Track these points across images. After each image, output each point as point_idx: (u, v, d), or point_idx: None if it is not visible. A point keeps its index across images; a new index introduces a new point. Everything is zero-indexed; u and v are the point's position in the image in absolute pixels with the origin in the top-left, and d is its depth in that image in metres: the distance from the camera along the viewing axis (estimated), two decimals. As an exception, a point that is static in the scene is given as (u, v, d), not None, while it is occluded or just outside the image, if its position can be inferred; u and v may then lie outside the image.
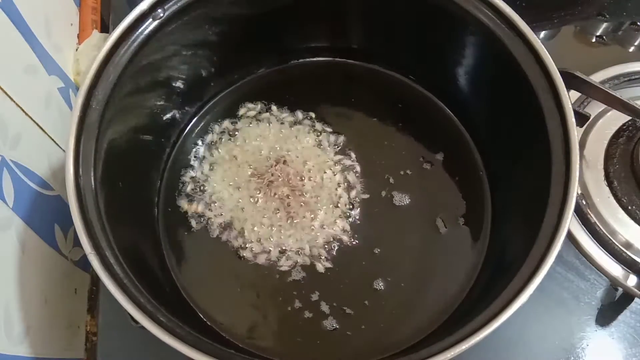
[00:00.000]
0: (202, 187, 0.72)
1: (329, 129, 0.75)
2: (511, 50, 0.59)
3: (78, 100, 0.55)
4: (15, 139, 0.65)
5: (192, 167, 0.73)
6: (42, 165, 0.71)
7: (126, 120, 0.63)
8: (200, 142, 0.75)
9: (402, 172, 0.72)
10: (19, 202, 0.64)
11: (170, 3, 0.61)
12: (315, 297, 0.65)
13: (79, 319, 0.78)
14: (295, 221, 0.68)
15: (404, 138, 0.74)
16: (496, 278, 0.58)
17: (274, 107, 0.76)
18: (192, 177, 0.72)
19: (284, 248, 0.68)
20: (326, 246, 0.68)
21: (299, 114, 0.75)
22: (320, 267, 0.67)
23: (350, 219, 0.69)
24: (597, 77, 0.80)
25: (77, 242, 0.74)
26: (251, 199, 0.70)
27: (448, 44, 0.68)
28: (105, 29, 0.90)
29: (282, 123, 0.75)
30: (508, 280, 0.51)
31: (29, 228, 0.66)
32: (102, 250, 0.51)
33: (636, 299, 0.69)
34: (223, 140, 0.74)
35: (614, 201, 0.73)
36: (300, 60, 0.79)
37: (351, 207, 0.70)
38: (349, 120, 0.76)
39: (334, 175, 0.71)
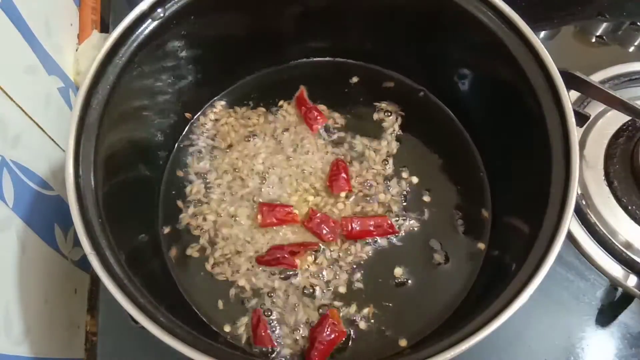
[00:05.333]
0: (201, 188, 0.72)
1: (329, 130, 0.75)
2: (511, 50, 0.59)
3: (78, 100, 0.55)
4: (15, 139, 0.65)
5: (191, 167, 0.73)
6: (42, 165, 0.71)
7: (126, 120, 0.63)
8: (200, 142, 0.74)
9: (401, 174, 0.72)
10: (19, 202, 0.64)
11: (170, 3, 0.61)
12: (314, 297, 0.65)
13: (79, 319, 0.78)
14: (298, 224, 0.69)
15: (405, 139, 0.74)
16: (496, 278, 0.58)
17: (273, 108, 0.76)
18: (191, 177, 0.72)
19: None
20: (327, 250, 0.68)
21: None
22: (319, 268, 0.67)
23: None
24: (597, 77, 0.80)
25: (77, 242, 0.74)
26: (246, 202, 0.70)
27: (448, 44, 0.68)
28: (105, 29, 0.90)
29: (280, 123, 0.75)
30: (508, 281, 0.51)
31: (29, 228, 0.66)
32: (102, 250, 0.51)
33: (636, 299, 0.69)
34: (222, 140, 0.74)
35: (614, 201, 0.73)
36: (300, 60, 0.79)
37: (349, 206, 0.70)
38: (348, 122, 0.76)
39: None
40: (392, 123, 0.75)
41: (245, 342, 0.63)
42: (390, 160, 0.73)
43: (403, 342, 0.62)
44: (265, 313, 0.64)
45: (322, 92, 0.77)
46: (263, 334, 0.62)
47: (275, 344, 0.62)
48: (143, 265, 0.61)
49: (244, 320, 0.64)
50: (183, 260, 0.68)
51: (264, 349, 0.62)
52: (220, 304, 0.65)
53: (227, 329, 0.64)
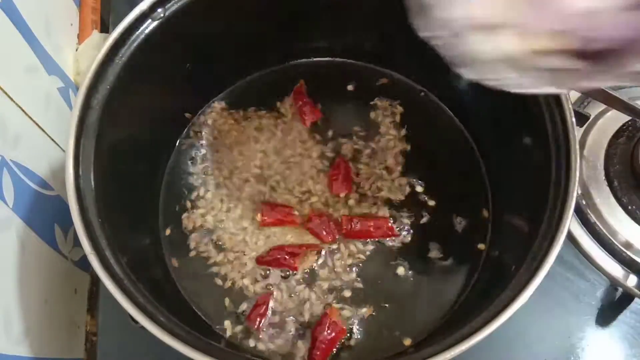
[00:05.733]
0: (201, 188, 0.72)
1: (328, 130, 0.75)
2: (511, 50, 0.58)
3: (78, 100, 0.55)
4: (15, 139, 0.65)
5: (192, 167, 0.73)
6: (42, 165, 0.71)
7: (126, 120, 0.63)
8: (201, 142, 0.74)
9: (401, 174, 0.72)
10: (19, 202, 0.64)
11: (170, 3, 0.61)
12: (314, 297, 0.65)
13: (79, 319, 0.78)
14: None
15: (405, 139, 0.74)
16: (496, 278, 0.58)
17: (274, 107, 0.76)
18: (192, 177, 0.72)
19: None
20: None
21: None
22: (319, 268, 0.67)
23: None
24: (597, 77, 0.80)
25: (77, 242, 0.74)
26: (247, 202, 0.70)
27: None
28: (105, 29, 0.90)
29: (280, 124, 0.75)
30: (508, 281, 0.51)
31: (29, 228, 0.66)
32: (102, 250, 0.51)
33: (636, 299, 0.69)
34: (223, 140, 0.74)
35: (614, 201, 0.73)
36: (301, 60, 0.79)
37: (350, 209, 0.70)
38: (348, 121, 0.75)
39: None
40: (391, 121, 0.75)
41: (244, 341, 0.63)
42: (391, 160, 0.72)
43: (407, 341, 0.62)
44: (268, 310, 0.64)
45: (323, 91, 0.77)
46: (258, 318, 0.63)
47: (261, 331, 0.63)
48: (143, 266, 0.61)
49: (243, 319, 0.64)
50: (183, 261, 0.68)
51: (249, 327, 0.63)
52: (219, 303, 0.65)
53: (227, 328, 0.64)
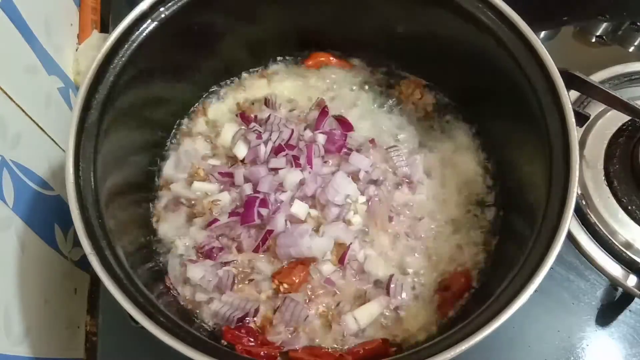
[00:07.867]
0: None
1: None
2: (511, 50, 0.58)
3: (78, 100, 0.55)
4: (15, 139, 0.65)
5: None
6: (42, 165, 0.71)
7: (126, 120, 0.63)
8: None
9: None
10: (19, 202, 0.64)
11: (171, 3, 0.60)
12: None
13: (79, 319, 0.78)
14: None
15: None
16: (497, 278, 0.58)
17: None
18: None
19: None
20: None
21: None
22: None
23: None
24: (597, 77, 0.80)
25: (77, 242, 0.74)
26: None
27: (449, 44, 0.68)
28: (105, 29, 0.91)
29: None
30: (508, 281, 0.51)
31: (29, 228, 0.66)
32: (102, 250, 0.51)
33: (636, 299, 0.69)
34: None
35: (614, 201, 0.73)
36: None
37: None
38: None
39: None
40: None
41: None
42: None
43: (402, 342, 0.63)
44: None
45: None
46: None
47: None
48: (143, 266, 0.61)
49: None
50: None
51: None
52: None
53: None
